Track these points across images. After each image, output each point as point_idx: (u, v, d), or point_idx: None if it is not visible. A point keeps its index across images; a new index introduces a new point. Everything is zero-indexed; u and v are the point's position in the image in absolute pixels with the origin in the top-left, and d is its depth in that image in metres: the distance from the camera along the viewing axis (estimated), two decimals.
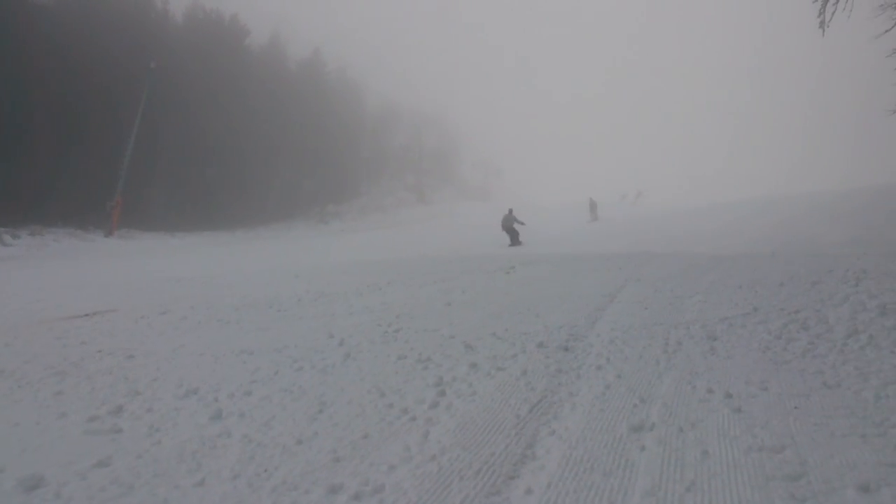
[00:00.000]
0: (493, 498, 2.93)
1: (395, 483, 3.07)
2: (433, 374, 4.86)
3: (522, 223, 23.63)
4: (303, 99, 41.75)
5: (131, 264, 16.68)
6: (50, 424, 4.00)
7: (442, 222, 40.79)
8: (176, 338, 6.55)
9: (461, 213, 45.28)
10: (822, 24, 11.07)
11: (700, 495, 2.88)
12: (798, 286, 7.65)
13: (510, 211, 24.02)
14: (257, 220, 34.70)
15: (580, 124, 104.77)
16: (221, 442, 3.64)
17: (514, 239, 22.87)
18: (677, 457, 3.25)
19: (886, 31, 11.45)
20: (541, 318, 7.01)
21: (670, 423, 3.69)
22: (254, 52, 39.38)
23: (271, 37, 42.86)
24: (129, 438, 3.74)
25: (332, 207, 43.68)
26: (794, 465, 3.07)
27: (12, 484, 3.13)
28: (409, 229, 36.53)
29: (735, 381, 4.38)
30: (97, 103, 25.16)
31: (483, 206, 49.12)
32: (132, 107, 26.45)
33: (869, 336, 5.17)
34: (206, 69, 32.05)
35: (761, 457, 3.19)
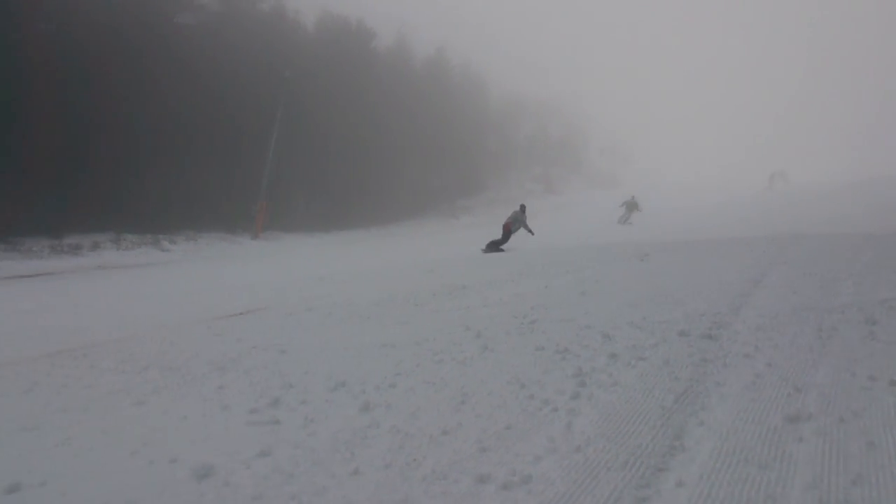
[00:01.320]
0: (642, 490, 2.89)
1: (542, 473, 3.09)
2: (572, 364, 4.83)
3: (531, 231, 19.58)
4: (428, 97, 42.36)
5: (276, 264, 17.51)
6: (215, 416, 4.27)
7: (570, 211, 40.37)
8: (322, 333, 6.84)
9: (589, 202, 44.65)
10: None
11: (867, 489, 2.72)
12: None
13: (521, 208, 20.01)
14: (389, 218, 35.58)
15: (716, 100, 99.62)
16: (371, 432, 3.77)
17: (496, 243, 18.75)
18: (839, 448, 3.09)
19: None
20: (680, 305, 6.82)
21: (829, 412, 3.51)
22: (380, 53, 40.29)
23: (396, 38, 43.72)
24: (287, 429, 3.93)
25: (461, 202, 44.10)
26: None
27: (186, 473, 3.35)
28: (537, 220, 36.31)
29: None
30: (238, 114, 26.60)
31: (611, 194, 48.17)
32: (270, 115, 27.78)
33: None
34: (335, 74, 33.15)
35: None
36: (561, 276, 9.98)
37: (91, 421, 4.29)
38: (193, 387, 4.98)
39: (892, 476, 2.79)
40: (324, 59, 33.50)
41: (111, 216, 20.52)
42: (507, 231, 19.21)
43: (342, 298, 9.26)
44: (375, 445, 3.58)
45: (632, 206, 31.81)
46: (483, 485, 3.04)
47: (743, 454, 3.13)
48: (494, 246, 18.52)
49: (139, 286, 13.81)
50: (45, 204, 19.99)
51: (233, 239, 25.40)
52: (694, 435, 3.40)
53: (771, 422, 3.47)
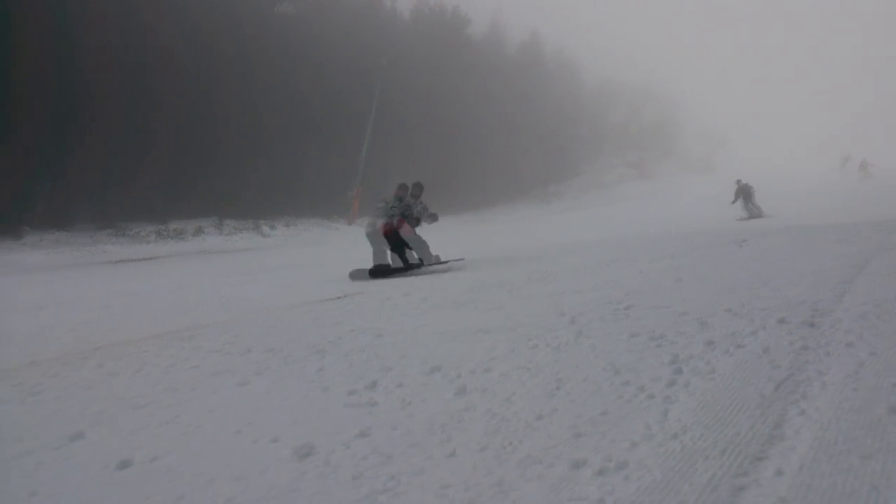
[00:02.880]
0: (740, 479, 2.84)
1: (638, 460, 3.07)
2: (667, 351, 4.77)
3: (433, 215, 12.78)
4: (521, 82, 42.24)
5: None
6: (315, 398, 4.41)
7: (664, 197, 39.45)
8: (417, 317, 6.96)
9: (683, 187, 43.53)
10: None
11: None
12: None
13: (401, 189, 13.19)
14: (482, 203, 35.73)
15: (821, 82, 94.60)
16: (467, 416, 3.83)
17: (420, 252, 12.21)
18: None
19: None
20: (779, 292, 6.60)
21: None
22: (474, 40, 40.41)
23: (490, 24, 43.75)
24: (385, 411, 4.03)
25: (553, 187, 43.80)
26: None
27: (288, 452, 3.48)
28: (630, 205, 35.71)
29: None
30: (336, 101, 27.21)
31: (706, 179, 46.83)
32: (366, 102, 28.29)
33: None
34: (429, 61, 33.48)
35: None
36: (655, 262, 9.82)
37: (197, 400, 4.50)
38: (294, 368, 5.16)
39: None
40: (418, 47, 33.89)
41: (214, 202, 21.37)
42: (391, 232, 12.19)
43: (436, 283, 9.38)
44: (471, 429, 3.63)
45: (746, 192, 27.22)
46: (578, 470, 3.05)
47: (845, 444, 3.04)
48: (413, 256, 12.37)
49: (241, 270, 14.37)
50: (151, 191, 21.04)
51: (329, 224, 26.08)
52: (794, 424, 3.31)
53: (874, 412, 3.34)
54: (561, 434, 3.45)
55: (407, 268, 12.02)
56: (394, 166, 31.71)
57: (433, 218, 12.74)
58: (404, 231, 12.05)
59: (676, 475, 2.93)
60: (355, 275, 11.30)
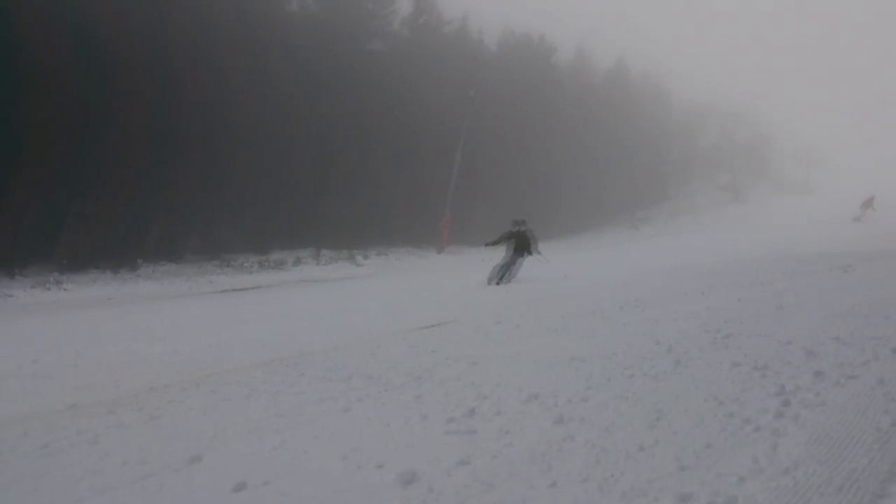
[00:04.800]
0: None
1: (747, 495, 3.00)
2: (773, 382, 4.63)
3: (544, 258, 16.05)
4: (608, 108, 41.91)
5: (460, 277, 17.97)
6: (415, 425, 4.49)
7: (759, 220, 38.17)
8: (511, 345, 6.97)
9: (780, 210, 41.99)
10: None
11: None
12: None
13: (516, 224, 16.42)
14: (569, 230, 35.44)
15: None
16: (567, 446, 3.83)
17: (508, 270, 15.60)
18: None
19: None
20: (891, 319, 6.32)
21: None
22: (560, 67, 40.42)
23: (576, 50, 43.68)
24: (484, 439, 4.07)
25: (641, 212, 43.05)
26: None
27: (392, 478, 3.55)
28: (723, 229, 34.73)
29: None
30: (425, 134, 27.72)
31: (804, 201, 45.11)
32: (455, 133, 28.70)
33: None
34: (517, 89, 33.69)
35: None
36: (754, 289, 9.53)
37: (304, 426, 4.64)
38: (393, 395, 5.26)
39: None
40: (506, 76, 34.14)
41: (311, 234, 22.07)
42: (514, 253, 15.99)
43: (529, 311, 9.38)
44: (571, 459, 3.63)
45: (867, 203, 33.00)
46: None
47: None
48: (505, 272, 15.65)
49: (338, 298, 14.72)
50: (253, 223, 21.94)
51: (420, 253, 26.44)
52: None
53: None
54: (664, 466, 3.41)
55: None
56: (482, 195, 31.96)
57: (540, 256, 16.05)
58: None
59: None
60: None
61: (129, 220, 18.21)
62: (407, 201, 27.58)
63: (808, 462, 3.28)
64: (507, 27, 37.95)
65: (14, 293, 14.82)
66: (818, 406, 4.06)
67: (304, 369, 6.35)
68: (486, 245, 16.78)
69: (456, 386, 5.35)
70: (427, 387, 5.40)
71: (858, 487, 2.98)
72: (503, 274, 15.50)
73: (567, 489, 3.27)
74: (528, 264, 15.86)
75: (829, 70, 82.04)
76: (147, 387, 5.91)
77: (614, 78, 46.69)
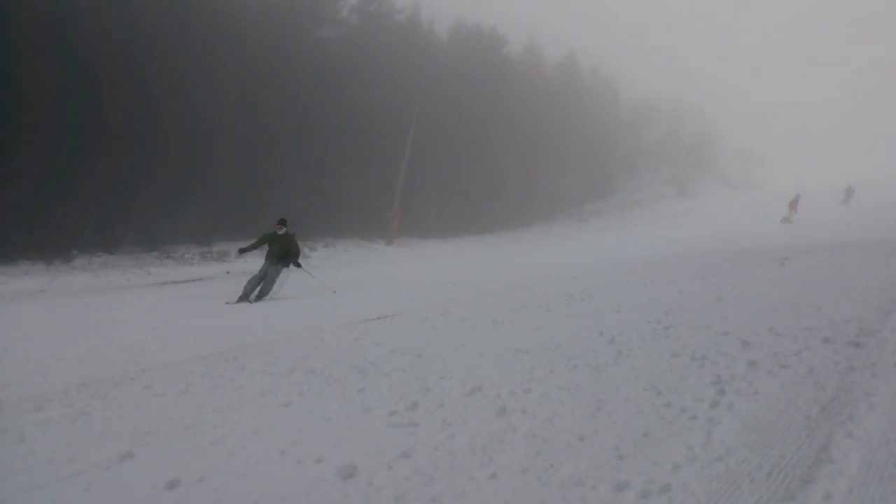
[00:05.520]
0: (787, 502, 2.82)
1: (681, 483, 3.06)
2: (710, 371, 4.73)
3: (307, 271, 13.68)
4: (558, 101, 42.15)
5: (409, 269, 17.93)
6: (357, 418, 4.45)
7: (703, 214, 39.02)
8: (457, 337, 6.98)
9: (723, 205, 43.01)
10: None
11: None
12: None
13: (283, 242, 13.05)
14: (519, 223, 35.60)
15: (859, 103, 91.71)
16: (508, 437, 3.84)
17: (266, 286, 12.58)
18: None
19: None
20: (823, 311, 6.51)
21: None
22: (511, 59, 40.44)
23: (527, 43, 43.77)
24: (426, 432, 4.06)
25: (591, 206, 43.49)
26: None
27: (332, 472, 3.52)
28: (668, 223, 35.42)
29: None
30: (374, 123, 27.45)
31: (746, 196, 46.31)
32: (404, 123, 28.54)
33: None
34: (467, 81, 33.59)
35: None
36: (695, 281, 9.72)
37: (243, 421, 4.57)
38: (336, 389, 5.20)
39: None
40: (456, 67, 34.02)
41: (256, 225, 21.72)
42: (275, 264, 12.87)
43: (476, 303, 9.39)
44: (512, 450, 3.65)
45: (850, 192, 36.83)
46: (621, 492, 3.04)
47: (895, 467, 2.99)
48: (265, 288, 12.62)
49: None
50: (196, 214, 21.47)
51: (368, 245, 26.22)
52: (842, 447, 3.27)
53: None
54: (603, 456, 3.44)
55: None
56: (433, 187, 31.87)
57: (303, 269, 13.57)
58: None
59: (721, 499, 2.90)
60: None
61: (62, 210, 17.53)
62: (356, 192, 27.29)
63: (741, 449, 3.35)
64: (458, 18, 37.85)
65: None
66: (752, 395, 4.15)
67: (244, 363, 6.25)
68: (240, 252, 13.11)
69: (400, 378, 5.33)
70: (371, 380, 5.37)
71: (787, 473, 3.05)
72: (257, 288, 12.51)
73: (507, 480, 3.28)
74: (285, 278, 13.12)
75: (774, 71, 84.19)
76: (78, 382, 5.74)
77: (564, 71, 46.99)
